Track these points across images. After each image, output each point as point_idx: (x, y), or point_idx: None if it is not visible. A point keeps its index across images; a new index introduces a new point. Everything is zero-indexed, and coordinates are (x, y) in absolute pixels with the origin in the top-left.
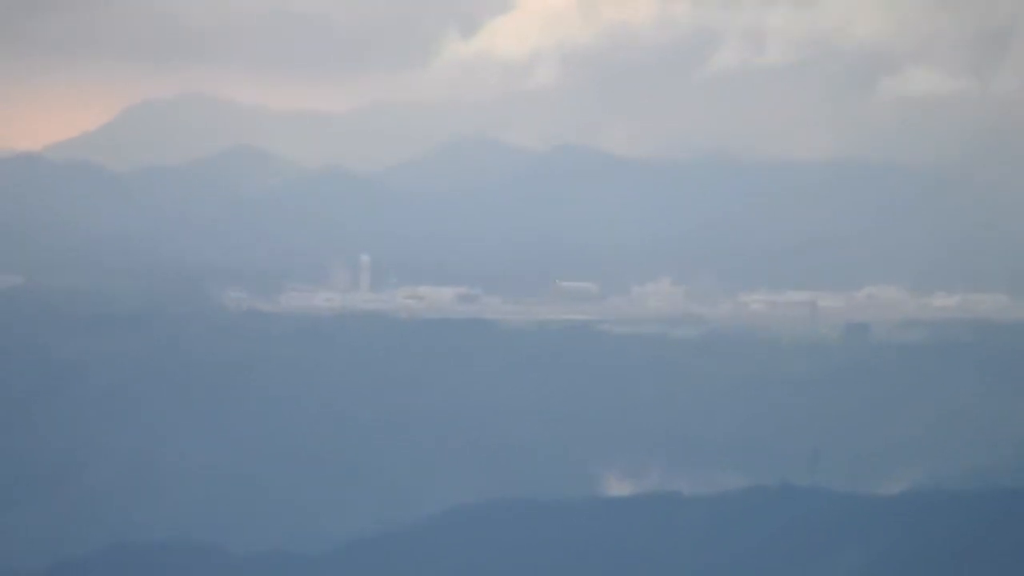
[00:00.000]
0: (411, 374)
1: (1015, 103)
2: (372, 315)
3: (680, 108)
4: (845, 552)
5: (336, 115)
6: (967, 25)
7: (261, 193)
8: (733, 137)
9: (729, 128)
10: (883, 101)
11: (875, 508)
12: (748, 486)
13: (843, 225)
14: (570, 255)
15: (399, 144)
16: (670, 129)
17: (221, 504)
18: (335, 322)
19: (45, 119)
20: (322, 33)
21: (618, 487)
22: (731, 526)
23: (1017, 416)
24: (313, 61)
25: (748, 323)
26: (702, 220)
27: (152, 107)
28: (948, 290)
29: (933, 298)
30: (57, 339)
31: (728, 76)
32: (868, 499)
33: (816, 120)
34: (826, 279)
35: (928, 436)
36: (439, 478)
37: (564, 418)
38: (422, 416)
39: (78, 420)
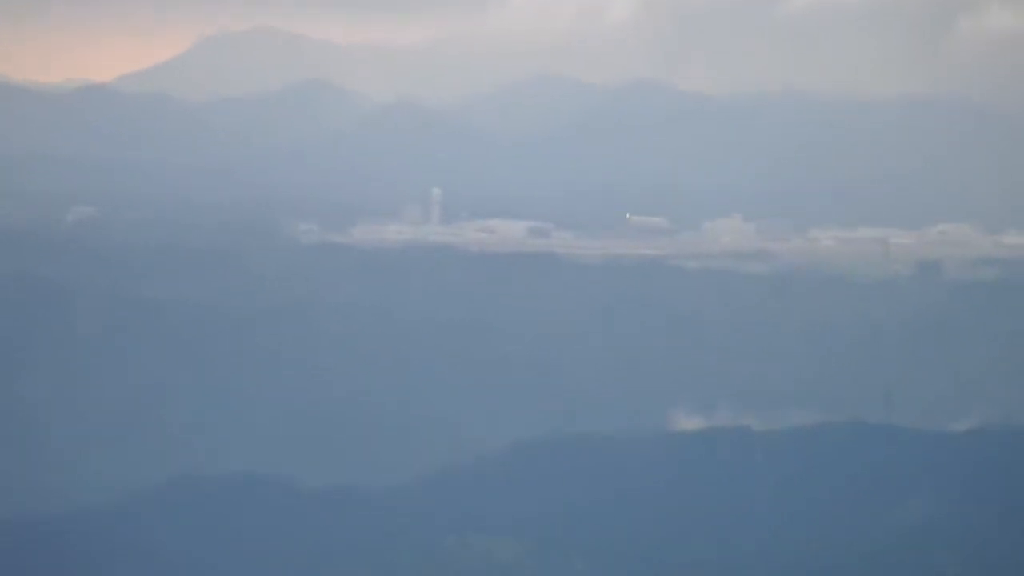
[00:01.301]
0: (481, 308)
1: None
2: (443, 248)
3: (755, 46)
4: (916, 488)
5: (407, 49)
6: None
7: (332, 127)
8: (807, 75)
9: (806, 66)
10: (960, 38)
11: (946, 444)
12: (818, 422)
13: (915, 162)
14: (642, 191)
15: (471, 78)
16: (744, 67)
17: (290, 440)
18: (406, 254)
19: (118, 50)
20: None
21: (688, 422)
22: (801, 462)
23: None
24: None
25: (819, 260)
26: (774, 157)
27: (225, 39)
28: (1021, 227)
29: (1005, 236)
30: (130, 273)
31: (805, 14)
32: (939, 435)
33: (891, 58)
34: (898, 216)
35: (999, 373)
36: (508, 413)
37: (634, 353)
38: (491, 350)
39: (151, 355)
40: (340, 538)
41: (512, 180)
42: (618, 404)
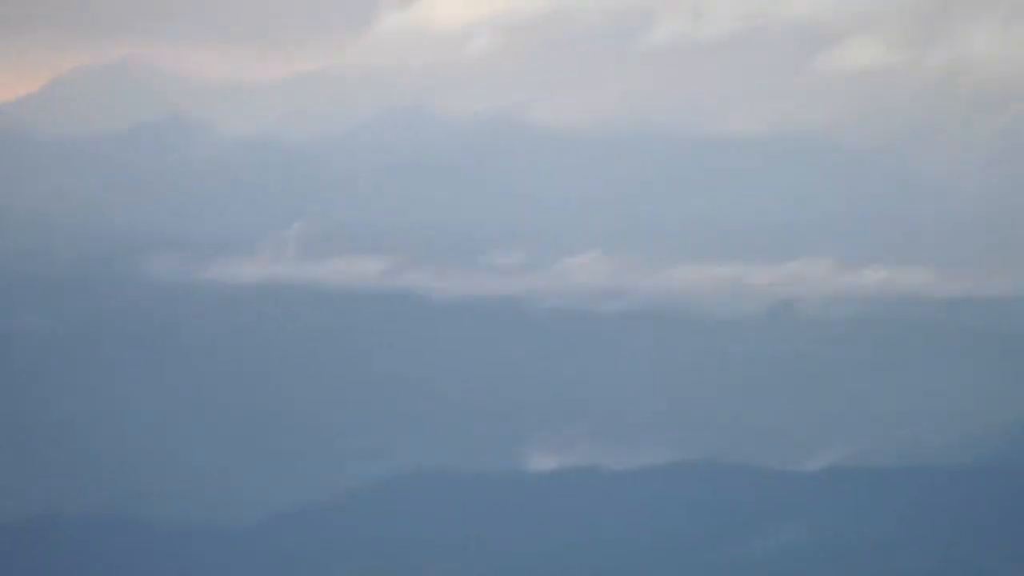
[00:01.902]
0: (337, 345)
1: (950, 79)
2: (301, 285)
3: (614, 82)
4: (769, 526)
5: (269, 85)
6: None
7: (192, 162)
8: (666, 111)
9: (663, 102)
10: (819, 75)
11: (800, 482)
12: (672, 461)
13: (772, 199)
14: (499, 227)
15: (330, 115)
16: (604, 102)
17: (138, 475)
18: (264, 291)
19: None
20: (257, 2)
21: (542, 461)
22: (654, 500)
23: (941, 393)
24: (247, 31)
25: (675, 297)
26: (630, 193)
27: (84, 75)
28: (875, 265)
29: (860, 273)
30: None
31: (664, 50)
32: (793, 474)
33: (750, 94)
34: (754, 253)
35: (853, 412)
36: (363, 449)
37: (489, 392)
38: (347, 387)
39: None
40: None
41: (369, 216)
42: (473, 442)
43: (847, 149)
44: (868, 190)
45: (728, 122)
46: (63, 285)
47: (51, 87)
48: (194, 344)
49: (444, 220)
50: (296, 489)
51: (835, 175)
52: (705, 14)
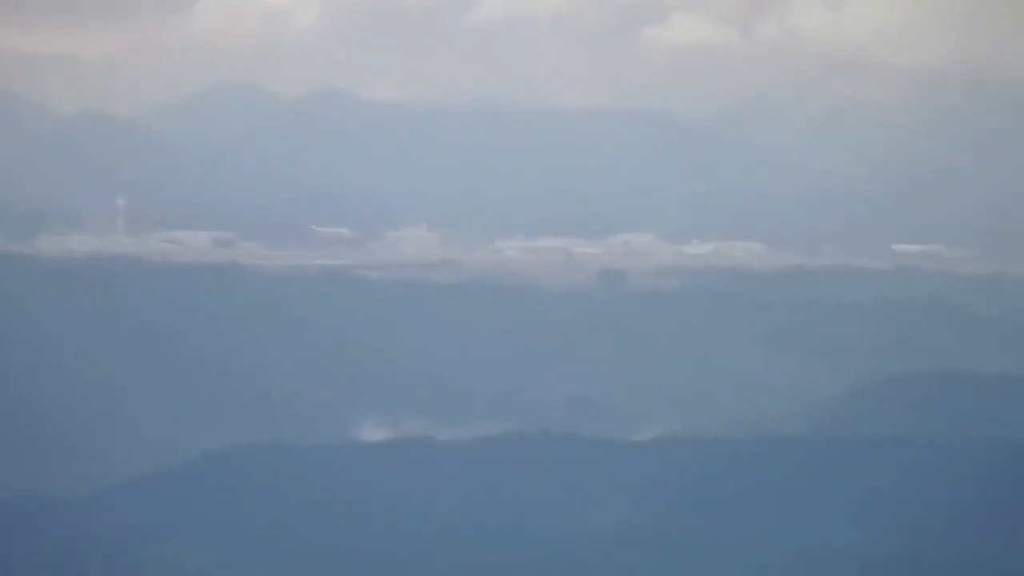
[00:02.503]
0: (165, 319)
1: (776, 54)
2: (127, 259)
3: (444, 56)
4: (601, 496)
5: (94, 59)
6: None
7: (15, 137)
8: (496, 85)
9: (493, 76)
10: (646, 50)
11: (629, 454)
12: (504, 431)
13: (600, 173)
14: (327, 201)
15: (157, 89)
16: (433, 77)
17: None
18: (90, 265)
19: None
20: None
21: (374, 433)
22: (486, 471)
23: (771, 364)
24: (72, 4)
25: (504, 270)
26: (459, 167)
27: None
28: (703, 238)
29: (688, 246)
30: None
31: (494, 24)
32: (622, 445)
33: (580, 68)
34: (581, 226)
35: (683, 384)
36: (195, 424)
37: (321, 364)
38: (177, 362)
39: None
40: (28, 549)
41: (197, 190)
42: (305, 414)
43: (676, 124)
44: (698, 164)
45: (558, 96)
46: None
47: None
48: (19, 318)
49: (272, 195)
50: (128, 464)
51: (665, 150)
52: None
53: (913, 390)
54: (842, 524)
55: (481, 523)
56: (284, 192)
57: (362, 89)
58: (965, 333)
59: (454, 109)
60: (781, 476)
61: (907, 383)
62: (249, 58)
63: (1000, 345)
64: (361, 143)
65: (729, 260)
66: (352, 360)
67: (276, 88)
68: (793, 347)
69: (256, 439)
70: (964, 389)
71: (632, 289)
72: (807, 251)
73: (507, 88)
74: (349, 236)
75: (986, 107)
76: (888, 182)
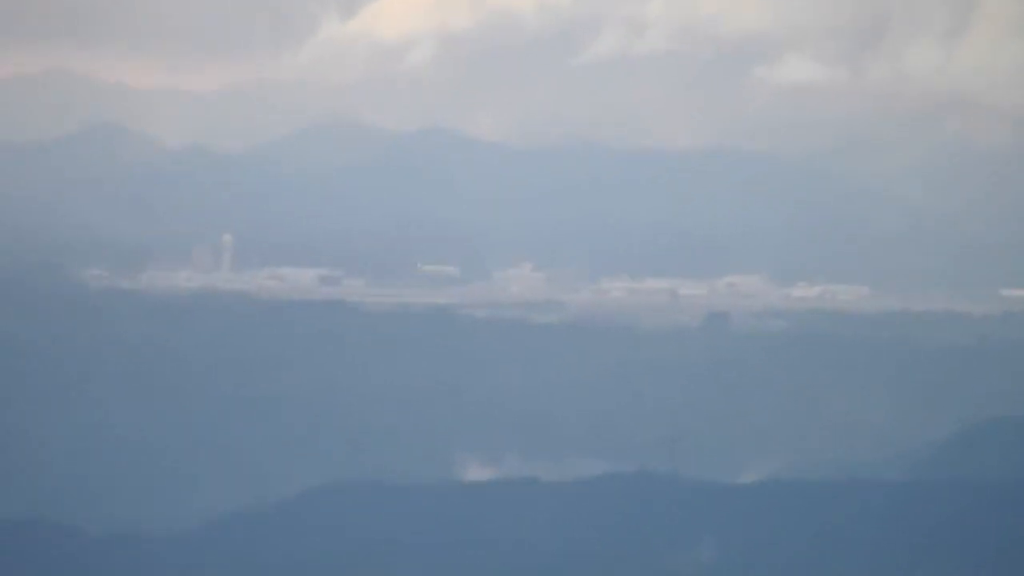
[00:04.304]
0: (271, 356)
1: (886, 95)
2: (233, 295)
3: (552, 94)
4: (701, 540)
5: (202, 93)
6: (842, 14)
7: (124, 171)
8: (603, 124)
9: (600, 115)
10: (756, 90)
11: (732, 497)
12: (605, 472)
13: (706, 213)
14: (433, 239)
15: (264, 124)
16: (540, 114)
17: (78, 485)
18: (196, 302)
19: None
20: (192, 11)
21: (476, 472)
22: (588, 512)
23: (874, 408)
24: (181, 39)
25: (609, 310)
26: (565, 206)
27: (16, 83)
28: (809, 280)
29: (794, 288)
30: None
31: (603, 63)
32: (726, 487)
33: (687, 108)
34: (688, 267)
35: (786, 426)
36: (298, 461)
37: (424, 402)
38: (281, 398)
39: None
40: None
41: (304, 227)
42: (406, 453)
43: (783, 164)
44: (805, 205)
45: (665, 135)
46: None
47: None
48: (125, 353)
49: (378, 232)
50: (233, 499)
51: (772, 190)
52: (643, 29)
53: (1018, 436)
54: (947, 570)
55: (583, 565)
56: (390, 229)
57: (469, 127)
58: None
59: (561, 147)
60: (884, 520)
61: (1012, 428)
62: (357, 94)
63: None
64: (467, 181)
65: (835, 303)
66: (455, 399)
67: (384, 124)
68: (897, 391)
69: (357, 477)
70: None
71: (737, 331)
72: (912, 294)
73: (614, 127)
74: (456, 275)
75: None
76: (995, 225)
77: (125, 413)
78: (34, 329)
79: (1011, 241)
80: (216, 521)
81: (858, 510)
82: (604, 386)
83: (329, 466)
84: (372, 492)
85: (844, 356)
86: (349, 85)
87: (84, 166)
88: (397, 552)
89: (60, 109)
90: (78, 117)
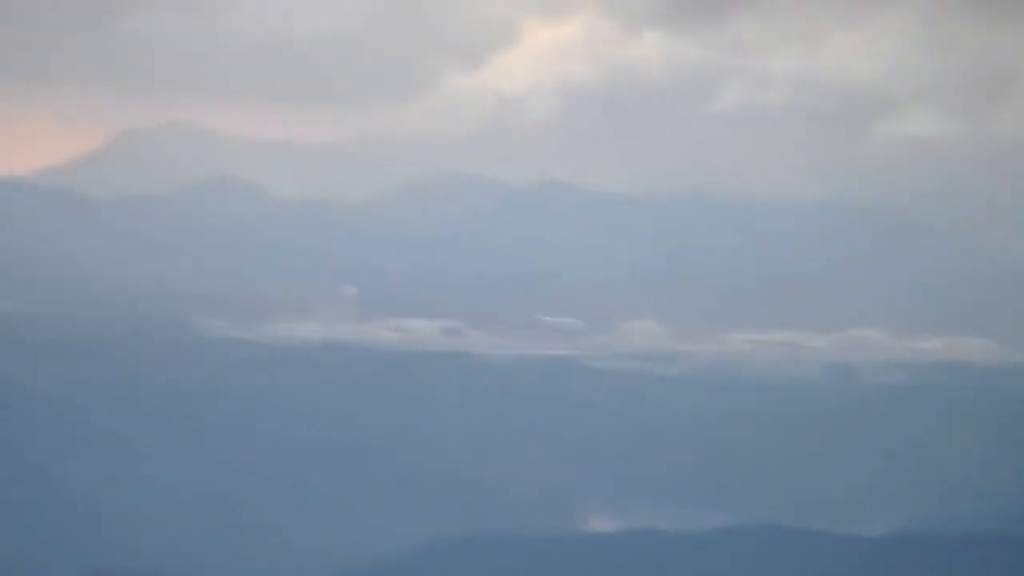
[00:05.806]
0: (394, 406)
1: (1008, 147)
2: (356, 347)
3: (673, 146)
4: None
5: (321, 146)
6: (963, 68)
7: (243, 223)
8: (724, 175)
9: (721, 167)
10: (877, 141)
11: (858, 549)
12: (730, 525)
13: (829, 265)
14: (555, 291)
15: (384, 176)
16: (660, 166)
17: (199, 535)
18: (318, 353)
19: (32, 145)
20: (311, 64)
21: (600, 523)
22: (713, 565)
23: (999, 461)
24: (296, 90)
25: (732, 362)
26: (688, 258)
27: (137, 136)
28: (933, 333)
29: (917, 340)
30: (35, 365)
31: (724, 116)
32: (854, 539)
33: (809, 160)
34: (810, 319)
35: (911, 478)
36: (422, 510)
37: (547, 453)
38: (405, 448)
39: (59, 448)
40: None
41: (425, 279)
42: (531, 504)
43: (906, 216)
44: (930, 258)
45: (787, 188)
46: (113, 344)
47: (106, 148)
48: (245, 407)
49: (500, 284)
50: (356, 549)
51: (895, 243)
52: (766, 81)
53: None
54: None
55: None
56: (512, 281)
57: (589, 178)
58: None
59: (681, 199)
60: (1011, 572)
61: None
62: (479, 146)
63: None
64: (588, 232)
65: (959, 355)
66: (579, 450)
67: (505, 177)
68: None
69: (481, 527)
70: None
71: (860, 383)
72: None
73: (735, 178)
74: (578, 327)
75: None
76: None
77: (248, 463)
78: (155, 379)
79: None
80: (338, 573)
81: (987, 562)
82: (727, 437)
83: (454, 518)
84: (496, 543)
85: (968, 409)
86: (471, 137)
87: (203, 218)
88: None
89: (179, 161)
90: (197, 169)
